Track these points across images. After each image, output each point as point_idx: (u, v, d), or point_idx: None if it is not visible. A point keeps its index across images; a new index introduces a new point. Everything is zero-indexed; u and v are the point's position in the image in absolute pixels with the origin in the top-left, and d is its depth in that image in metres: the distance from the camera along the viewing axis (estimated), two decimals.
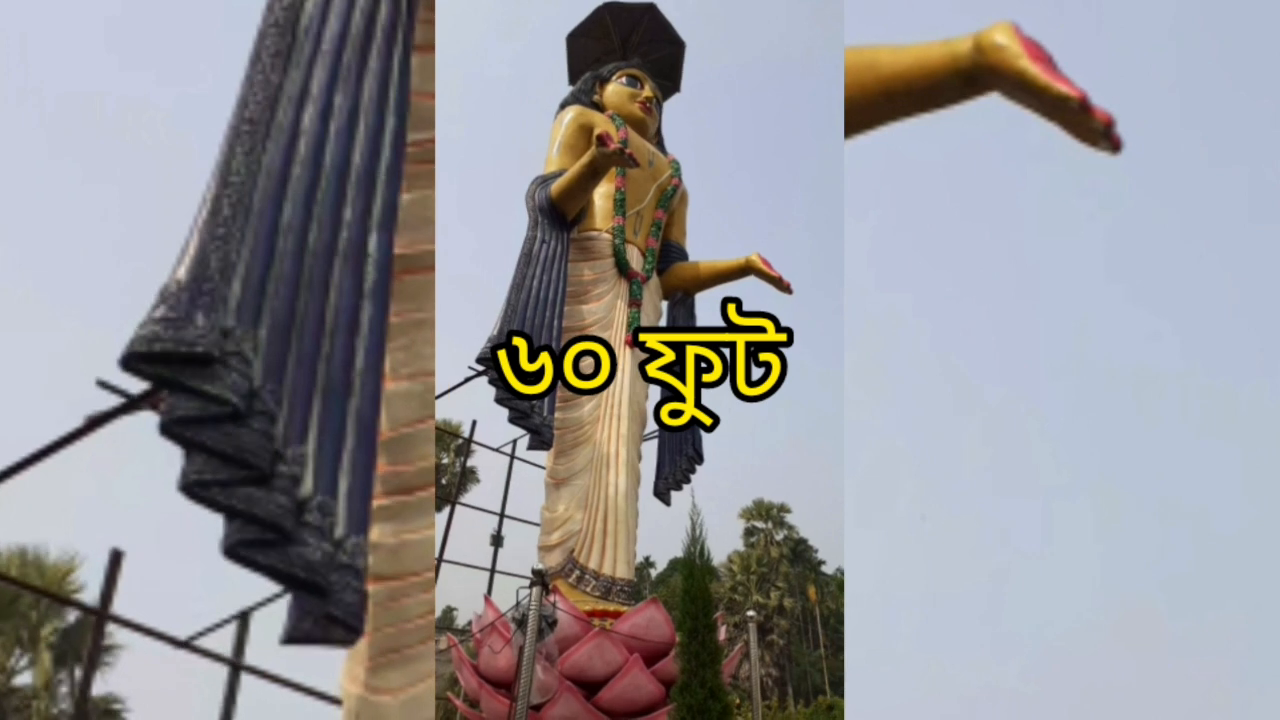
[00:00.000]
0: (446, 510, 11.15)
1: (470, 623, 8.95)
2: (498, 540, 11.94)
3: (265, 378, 1.38)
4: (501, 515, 12.04)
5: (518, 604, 7.45)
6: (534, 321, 7.81)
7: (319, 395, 1.42)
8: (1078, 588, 3.68)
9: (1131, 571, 3.64)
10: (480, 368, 8.10)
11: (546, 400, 7.73)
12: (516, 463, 12.06)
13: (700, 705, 6.25)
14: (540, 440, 7.75)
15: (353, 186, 1.48)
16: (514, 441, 12.17)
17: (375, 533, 1.57)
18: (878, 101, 1.53)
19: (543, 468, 8.93)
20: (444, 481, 24.58)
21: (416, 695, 1.64)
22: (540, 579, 6.94)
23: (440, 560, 10.20)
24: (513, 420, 7.76)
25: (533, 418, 7.65)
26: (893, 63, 1.51)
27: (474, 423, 12.37)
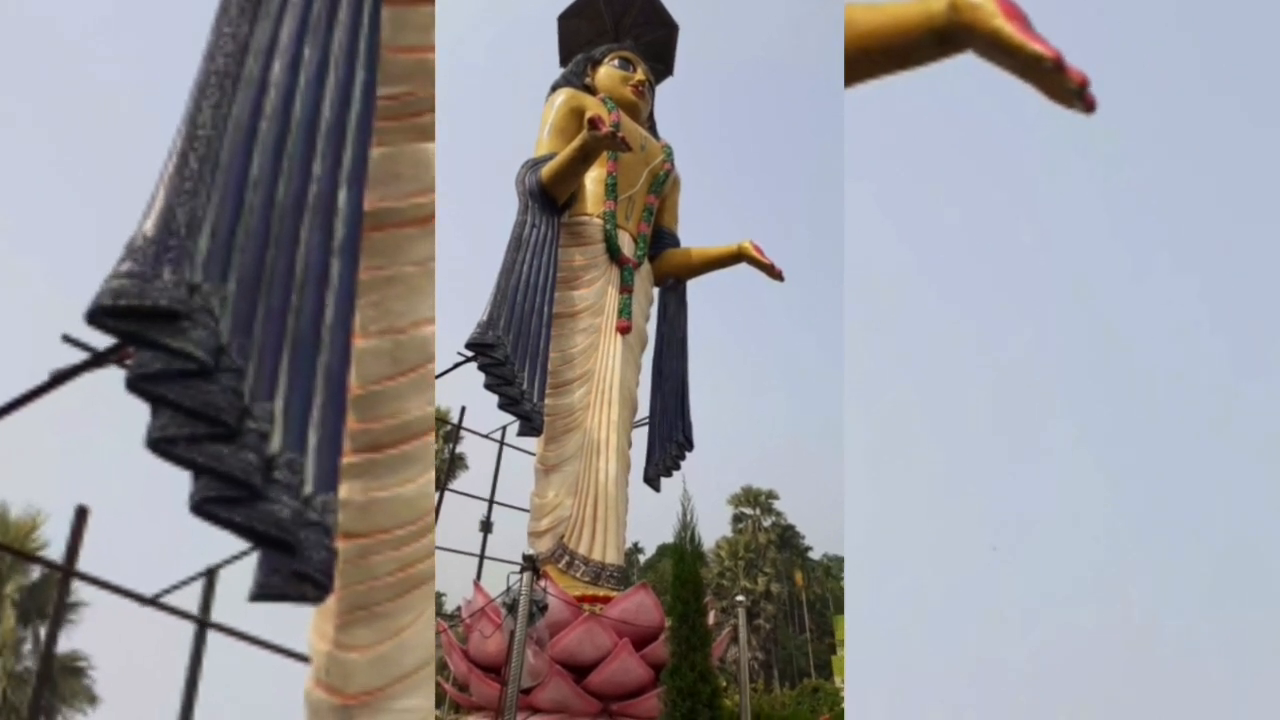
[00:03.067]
0: (435, 496, 11.12)
1: (459, 608, 8.96)
2: (487, 526, 11.95)
3: (233, 333, 1.36)
4: (491, 501, 12.04)
5: (508, 589, 7.46)
6: (524, 307, 7.78)
7: (287, 351, 1.40)
8: (1083, 570, 3.67)
9: (1135, 560, 3.62)
10: (469, 354, 8.06)
11: (536, 386, 7.72)
12: (506, 449, 12.06)
13: (690, 688, 6.30)
14: (530, 426, 7.74)
15: (322, 140, 1.47)
16: (503, 428, 12.15)
17: (344, 490, 1.56)
18: (855, 59, 1.53)
19: (533, 454, 8.92)
20: None
21: (385, 653, 1.64)
22: (531, 564, 6.95)
23: None
24: (502, 406, 7.74)
25: (523, 404, 7.63)
26: (868, 20, 1.50)
27: (463, 409, 12.33)
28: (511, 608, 6.95)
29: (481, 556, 11.49)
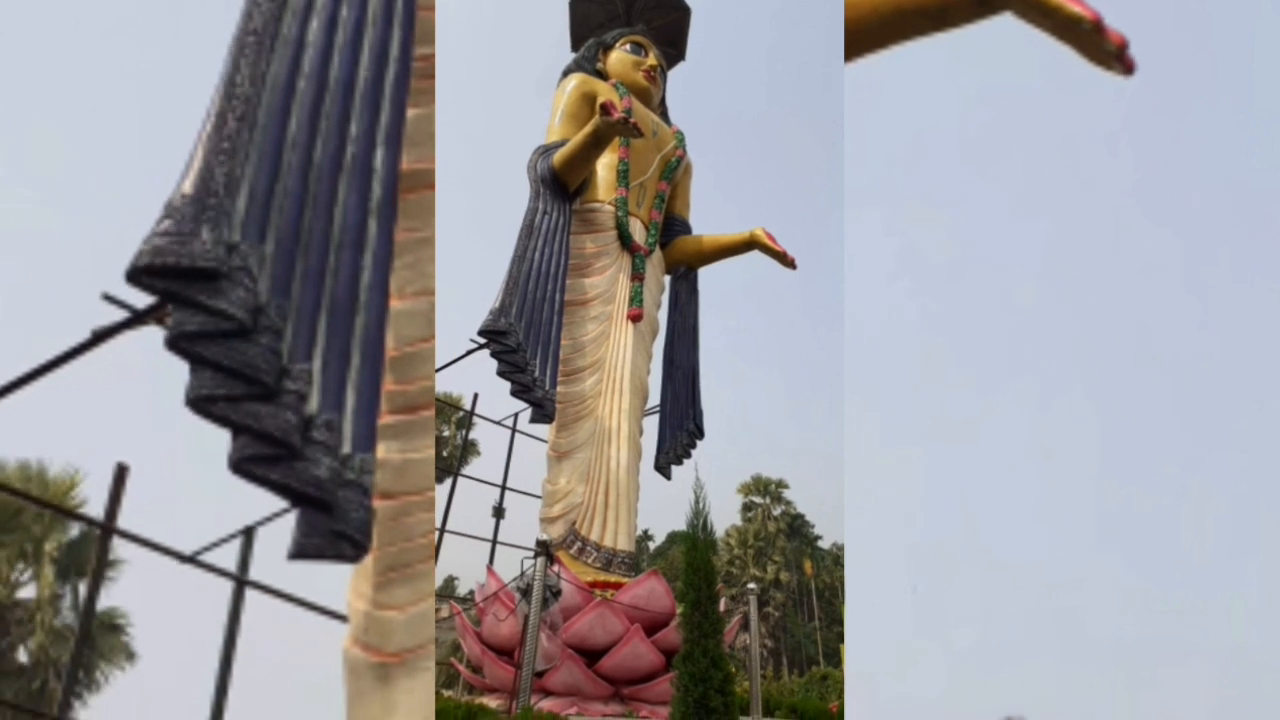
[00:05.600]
0: (448, 482, 11.19)
1: (472, 591, 9.02)
2: (499, 512, 12.00)
3: (271, 293, 1.37)
4: (503, 487, 12.09)
5: (522, 574, 7.51)
6: (535, 294, 7.79)
7: (325, 312, 1.41)
8: (1081, 560, 3.66)
9: (1136, 552, 3.61)
10: (482, 340, 8.08)
11: (548, 374, 7.74)
12: (518, 436, 12.09)
13: (702, 674, 6.32)
14: (542, 414, 7.76)
15: (358, 101, 1.47)
16: (515, 414, 12.19)
17: (381, 450, 1.57)
18: (890, 20, 1.51)
19: (544, 441, 8.95)
20: (445, 454, 24.73)
21: (422, 611, 1.66)
22: (545, 550, 6.99)
23: (442, 530, 10.26)
24: (515, 393, 7.76)
25: (535, 391, 7.65)
26: None
27: (475, 395, 12.37)
28: (525, 592, 6.99)
29: (494, 541, 11.55)
